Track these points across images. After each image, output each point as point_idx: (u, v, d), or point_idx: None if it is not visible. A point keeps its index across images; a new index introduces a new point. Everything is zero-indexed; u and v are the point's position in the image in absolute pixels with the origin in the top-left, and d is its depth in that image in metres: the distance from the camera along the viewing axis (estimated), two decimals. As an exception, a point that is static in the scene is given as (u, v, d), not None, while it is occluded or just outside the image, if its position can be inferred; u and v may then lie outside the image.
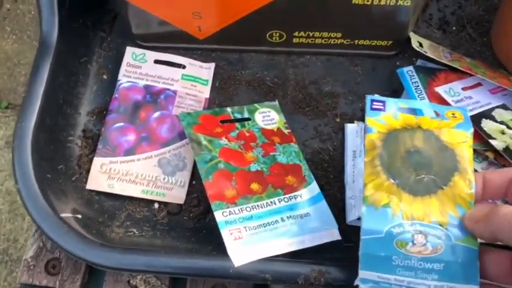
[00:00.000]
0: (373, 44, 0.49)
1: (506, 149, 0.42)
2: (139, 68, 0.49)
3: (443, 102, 0.45)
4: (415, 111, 0.38)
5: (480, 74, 0.46)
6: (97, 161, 0.45)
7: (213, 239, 0.39)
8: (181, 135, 0.46)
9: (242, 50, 0.51)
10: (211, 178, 0.40)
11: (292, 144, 0.46)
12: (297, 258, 0.38)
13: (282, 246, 0.37)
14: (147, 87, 0.48)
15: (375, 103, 0.38)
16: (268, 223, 0.39)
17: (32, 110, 0.43)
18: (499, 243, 0.30)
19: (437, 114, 0.37)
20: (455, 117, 0.36)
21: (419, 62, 0.50)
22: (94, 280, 0.44)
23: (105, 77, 0.50)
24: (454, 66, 0.47)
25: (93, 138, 0.47)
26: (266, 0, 0.43)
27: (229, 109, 0.46)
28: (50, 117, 0.44)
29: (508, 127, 0.43)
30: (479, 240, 0.31)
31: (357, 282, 0.33)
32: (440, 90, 0.46)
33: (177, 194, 0.45)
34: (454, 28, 0.53)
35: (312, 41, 0.49)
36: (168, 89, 0.48)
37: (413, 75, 0.47)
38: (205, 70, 0.50)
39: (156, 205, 0.45)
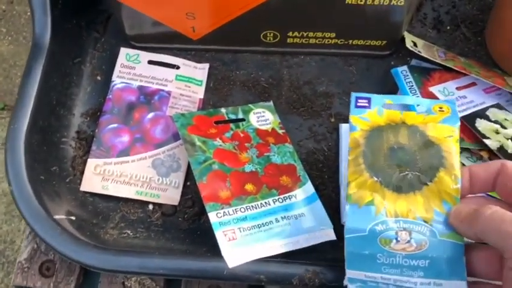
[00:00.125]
0: (367, 43, 0.49)
1: (501, 148, 0.42)
2: (133, 68, 0.49)
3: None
4: (403, 107, 0.38)
5: (474, 74, 0.46)
6: (91, 163, 0.45)
7: (207, 240, 0.39)
8: (176, 136, 0.46)
9: (236, 50, 0.51)
10: (205, 179, 0.40)
11: (287, 144, 0.45)
12: (291, 259, 0.37)
13: (277, 247, 0.37)
14: (141, 88, 0.48)
15: (359, 100, 0.38)
16: (262, 224, 0.39)
17: (25, 111, 0.42)
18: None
19: (423, 109, 0.37)
20: (442, 111, 0.36)
21: (413, 62, 0.50)
22: (88, 282, 0.44)
23: (98, 77, 0.50)
24: (448, 65, 0.47)
25: (87, 139, 0.47)
26: (260, 0, 0.43)
27: (223, 110, 0.46)
28: (43, 119, 0.44)
29: (502, 126, 0.43)
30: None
31: (345, 282, 0.33)
32: (435, 89, 0.46)
33: (171, 195, 0.44)
34: (448, 27, 0.53)
35: (306, 41, 0.49)
36: (162, 90, 0.48)
37: (408, 75, 0.47)
38: (200, 71, 0.50)
39: (151, 206, 0.45)
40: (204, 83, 0.49)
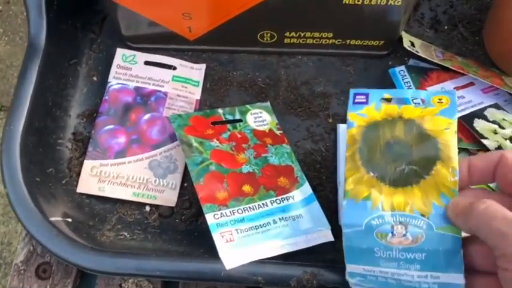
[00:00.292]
0: (364, 43, 0.49)
1: (499, 148, 0.41)
2: (129, 69, 0.48)
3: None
4: (401, 101, 0.37)
5: (472, 74, 0.46)
6: (87, 164, 0.45)
7: (204, 242, 0.39)
8: (172, 137, 0.46)
9: (233, 50, 0.51)
10: (202, 180, 0.40)
11: (284, 145, 0.45)
12: (289, 260, 0.37)
13: (274, 248, 0.37)
14: (137, 89, 0.48)
15: (357, 97, 0.37)
16: (260, 225, 0.38)
17: (21, 112, 0.42)
18: None
19: (423, 101, 0.37)
20: (441, 102, 0.35)
21: (411, 62, 0.50)
22: (85, 284, 0.44)
23: (95, 78, 0.50)
24: (446, 65, 0.46)
25: (83, 140, 0.47)
26: (256, 0, 0.43)
27: (220, 110, 0.46)
28: (39, 120, 0.44)
29: (501, 126, 0.43)
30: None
31: (346, 276, 0.34)
32: (433, 90, 0.46)
33: (168, 197, 0.44)
34: (445, 27, 0.53)
35: (303, 41, 0.48)
36: (159, 91, 0.48)
37: (406, 75, 0.47)
38: (196, 71, 0.50)
39: (148, 208, 0.45)
40: (200, 84, 0.49)
